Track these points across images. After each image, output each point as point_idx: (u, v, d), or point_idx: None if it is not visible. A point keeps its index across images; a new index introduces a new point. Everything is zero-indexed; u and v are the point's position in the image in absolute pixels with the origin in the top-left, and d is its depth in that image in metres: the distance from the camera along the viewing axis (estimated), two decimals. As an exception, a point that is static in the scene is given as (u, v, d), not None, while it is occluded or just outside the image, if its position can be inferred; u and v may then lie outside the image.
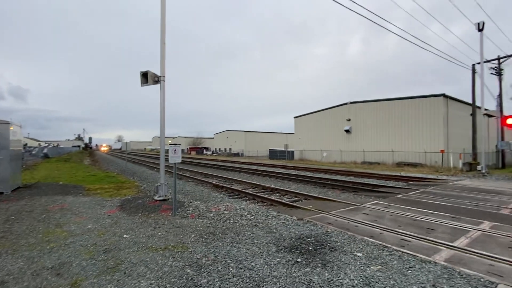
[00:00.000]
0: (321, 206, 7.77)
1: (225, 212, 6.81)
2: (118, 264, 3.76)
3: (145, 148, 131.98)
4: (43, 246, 4.42)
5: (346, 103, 32.95)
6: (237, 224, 5.81)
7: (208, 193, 11.01)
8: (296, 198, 9.81)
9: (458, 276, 3.43)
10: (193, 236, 4.98)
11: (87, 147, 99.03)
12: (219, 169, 24.10)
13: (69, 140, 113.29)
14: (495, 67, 21.47)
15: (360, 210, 7.15)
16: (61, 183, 11.84)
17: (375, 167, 24.52)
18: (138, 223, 5.83)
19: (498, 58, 21.24)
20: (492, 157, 25.70)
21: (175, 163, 6.61)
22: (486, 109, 19.09)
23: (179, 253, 4.16)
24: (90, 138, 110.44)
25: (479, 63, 18.54)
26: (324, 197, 9.46)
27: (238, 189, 11.43)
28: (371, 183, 13.61)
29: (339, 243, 4.58)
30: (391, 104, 28.14)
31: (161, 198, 7.94)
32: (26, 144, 51.29)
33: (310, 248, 4.36)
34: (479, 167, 17.94)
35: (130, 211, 6.91)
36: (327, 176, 17.28)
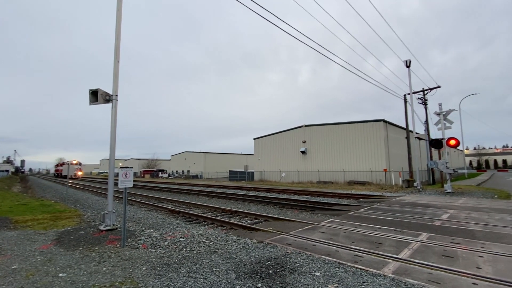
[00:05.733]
0: (280, 227, 7.83)
1: (182, 239, 6.40)
2: (49, 310, 3.20)
3: (91, 172, 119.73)
4: None
5: (301, 126, 34.95)
6: (195, 251, 5.49)
7: (163, 219, 10.28)
8: (257, 220, 9.74)
9: (404, 286, 3.71)
10: (144, 269, 4.53)
11: (19, 171, 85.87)
12: (176, 193, 22.86)
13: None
14: (421, 97, 25.29)
15: (317, 229, 7.39)
16: (-22, 215, 9.87)
17: (329, 186, 25.95)
18: (78, 258, 5.11)
19: (423, 90, 25.12)
20: (425, 175, 29.40)
21: (125, 188, 6.10)
22: (417, 133, 22.11)
23: (128, 290, 3.73)
24: (22, 161, 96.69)
25: (409, 94, 21.68)
26: (284, 217, 9.58)
27: (196, 213, 10.92)
28: (326, 201, 14.29)
29: (298, 264, 4.62)
30: (340, 127, 30.77)
31: (108, 228, 7.14)
32: None
33: (271, 272, 4.31)
34: (415, 184, 20.31)
35: (69, 244, 6.04)
36: (286, 196, 17.65)
